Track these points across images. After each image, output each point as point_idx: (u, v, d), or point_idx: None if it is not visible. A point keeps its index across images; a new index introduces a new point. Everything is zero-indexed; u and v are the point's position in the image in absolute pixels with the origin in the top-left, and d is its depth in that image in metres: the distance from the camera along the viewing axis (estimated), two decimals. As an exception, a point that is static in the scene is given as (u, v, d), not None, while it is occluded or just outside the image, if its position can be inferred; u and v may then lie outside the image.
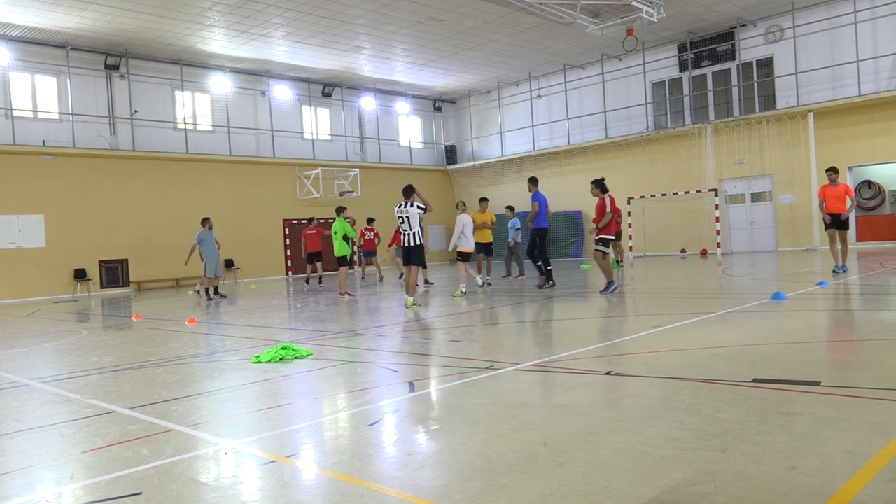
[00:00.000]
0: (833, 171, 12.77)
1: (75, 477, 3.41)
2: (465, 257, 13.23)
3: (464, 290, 12.55)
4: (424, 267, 12.38)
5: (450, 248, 13.33)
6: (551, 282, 12.86)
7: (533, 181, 13.30)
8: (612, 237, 11.82)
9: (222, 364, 6.72)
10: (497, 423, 3.89)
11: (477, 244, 14.49)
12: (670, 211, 25.10)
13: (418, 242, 11.06)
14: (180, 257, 17.69)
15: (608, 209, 11.43)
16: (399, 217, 11.11)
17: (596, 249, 11.67)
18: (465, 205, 14.06)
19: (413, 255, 11.12)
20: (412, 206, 11.00)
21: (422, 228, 11.31)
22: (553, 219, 27.97)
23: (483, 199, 15.38)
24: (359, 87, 29.42)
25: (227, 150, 25.34)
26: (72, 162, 21.47)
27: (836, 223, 12.63)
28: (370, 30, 21.90)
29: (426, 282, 16.09)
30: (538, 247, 12.97)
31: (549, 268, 12.84)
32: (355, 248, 15.41)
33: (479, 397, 4.58)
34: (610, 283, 11.17)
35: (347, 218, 15.24)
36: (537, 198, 12.91)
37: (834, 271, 12.69)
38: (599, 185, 11.64)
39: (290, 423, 4.31)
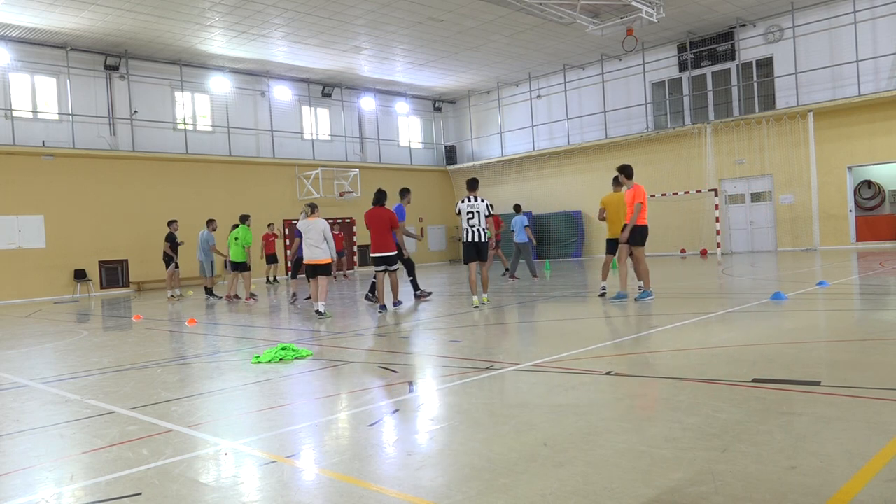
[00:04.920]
0: (621, 171, 10.39)
1: (75, 477, 3.41)
2: (327, 270, 10.76)
3: (321, 310, 10.39)
4: (485, 261, 10.94)
5: (303, 259, 10.88)
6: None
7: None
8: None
9: (222, 364, 6.72)
10: (497, 423, 3.89)
11: (610, 241, 11.36)
12: (670, 211, 25.11)
13: (486, 239, 10.76)
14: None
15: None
16: (469, 212, 10.64)
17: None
18: (317, 208, 11.15)
19: (482, 251, 10.73)
20: (482, 201, 10.69)
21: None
22: (552, 218, 28.18)
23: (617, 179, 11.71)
24: (358, 88, 29.43)
25: (226, 150, 25.35)
26: (71, 162, 21.47)
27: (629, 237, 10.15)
28: (370, 30, 21.90)
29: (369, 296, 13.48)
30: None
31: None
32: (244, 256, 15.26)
33: (479, 397, 4.58)
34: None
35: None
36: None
37: (607, 295, 10.48)
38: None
39: (289, 423, 4.31)
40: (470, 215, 10.64)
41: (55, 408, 5.02)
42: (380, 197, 11.01)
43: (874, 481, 2.70)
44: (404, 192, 12.61)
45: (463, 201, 10.72)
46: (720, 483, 2.76)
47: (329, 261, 10.71)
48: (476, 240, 10.62)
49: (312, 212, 10.84)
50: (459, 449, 3.47)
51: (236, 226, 15.54)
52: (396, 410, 4.42)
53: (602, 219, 11.15)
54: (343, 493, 2.95)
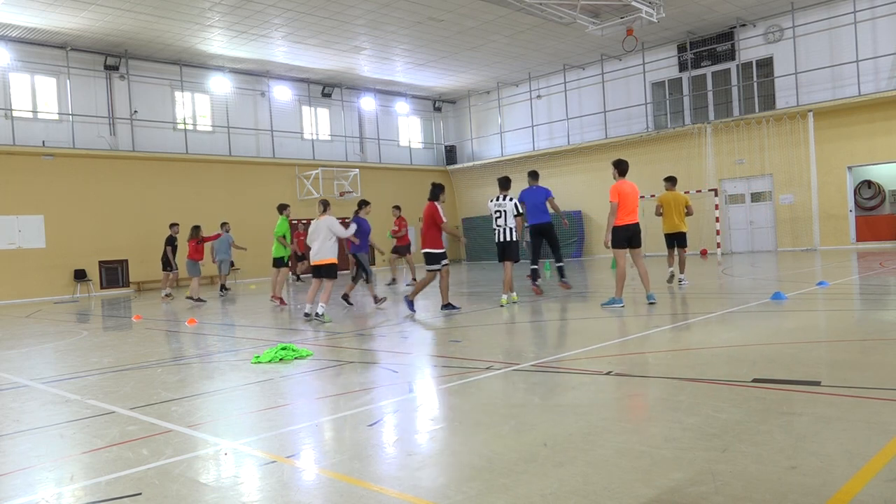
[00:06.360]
0: (614, 166, 9.60)
1: (75, 477, 3.41)
2: (331, 271, 10.28)
3: (319, 312, 9.88)
4: (517, 261, 10.68)
5: (309, 260, 10.42)
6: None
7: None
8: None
9: (222, 364, 6.72)
10: (497, 423, 3.89)
11: (668, 235, 12.32)
12: (670, 211, 25.10)
13: (514, 238, 10.51)
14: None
15: None
16: (496, 211, 10.52)
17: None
18: (329, 205, 10.62)
19: (507, 251, 10.54)
20: (510, 199, 10.50)
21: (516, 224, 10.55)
22: (553, 218, 28.10)
23: (671, 179, 12.68)
24: (358, 88, 29.43)
25: (226, 150, 25.34)
26: (72, 162, 21.47)
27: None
28: (370, 30, 21.90)
29: (377, 298, 11.90)
30: None
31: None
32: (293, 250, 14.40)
33: (479, 397, 4.58)
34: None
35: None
36: None
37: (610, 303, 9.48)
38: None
39: (289, 423, 4.31)
40: (497, 214, 10.57)
41: (55, 408, 5.01)
42: (434, 191, 10.33)
43: (874, 481, 2.70)
44: (534, 175, 12.53)
45: (491, 200, 10.69)
46: (720, 483, 2.76)
47: (333, 261, 10.18)
48: (502, 239, 10.55)
49: (324, 210, 10.40)
50: (459, 449, 3.47)
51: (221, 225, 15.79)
52: (396, 410, 4.42)
53: (658, 214, 11.95)
54: (343, 493, 2.95)
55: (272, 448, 3.70)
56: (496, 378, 5.18)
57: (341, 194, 27.30)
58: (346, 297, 11.91)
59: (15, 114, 20.80)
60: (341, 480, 3.11)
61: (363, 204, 12.26)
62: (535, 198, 11.90)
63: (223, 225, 17.53)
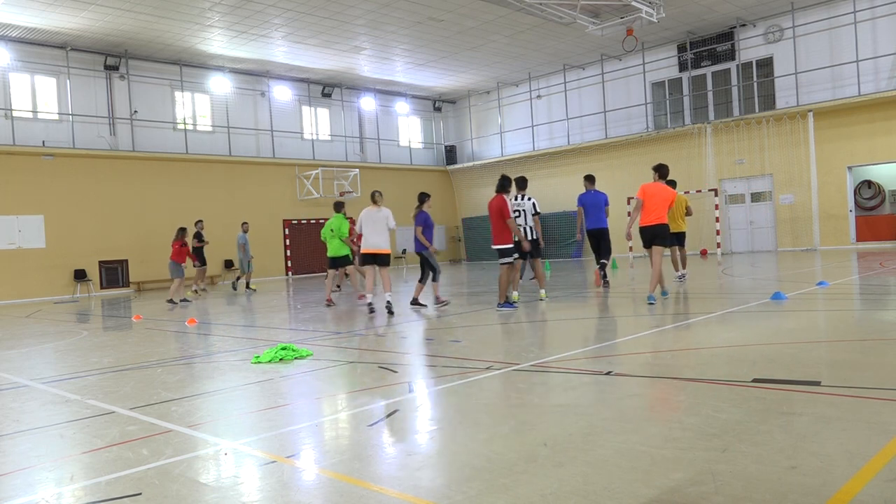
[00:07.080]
0: (654, 170, 9.95)
1: (75, 477, 3.41)
2: (388, 260, 10.52)
3: (388, 301, 10.26)
4: (540, 257, 10.69)
5: (362, 248, 10.50)
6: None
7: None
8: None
9: (222, 364, 6.71)
10: (497, 423, 3.89)
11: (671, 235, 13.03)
12: (670, 211, 25.09)
13: (534, 236, 10.57)
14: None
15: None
16: (515, 211, 10.43)
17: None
18: (381, 196, 10.76)
19: (531, 249, 10.46)
20: (528, 199, 10.56)
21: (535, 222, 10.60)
22: (552, 218, 28.18)
23: (671, 182, 12.90)
24: (358, 88, 29.43)
25: (226, 150, 25.35)
26: (72, 162, 21.48)
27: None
28: (370, 30, 21.91)
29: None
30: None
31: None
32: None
33: (479, 397, 4.58)
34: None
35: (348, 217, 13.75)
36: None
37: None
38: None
39: (289, 423, 4.31)
40: (516, 214, 10.56)
41: (55, 408, 5.01)
42: (502, 183, 9.96)
43: (874, 481, 2.70)
44: (591, 179, 12.61)
45: (512, 200, 10.68)
46: (720, 483, 2.76)
47: (389, 251, 10.50)
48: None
49: (379, 200, 10.58)
50: (459, 449, 3.47)
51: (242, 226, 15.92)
52: (396, 410, 4.42)
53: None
54: (343, 493, 2.95)
55: (272, 448, 3.70)
56: (496, 378, 5.18)
57: (341, 194, 27.28)
58: (415, 301, 11.04)
59: (15, 114, 20.80)
60: (341, 480, 3.11)
61: (425, 197, 11.59)
62: (596, 202, 12.38)
63: (243, 225, 18.75)
